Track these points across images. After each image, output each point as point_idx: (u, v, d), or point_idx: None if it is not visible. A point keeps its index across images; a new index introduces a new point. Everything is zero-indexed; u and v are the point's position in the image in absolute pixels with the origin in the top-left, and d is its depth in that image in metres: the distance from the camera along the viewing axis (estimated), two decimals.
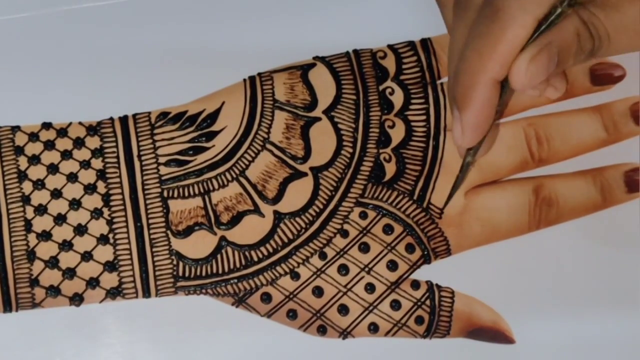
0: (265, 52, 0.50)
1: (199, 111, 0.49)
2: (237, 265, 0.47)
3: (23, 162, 0.48)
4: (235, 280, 0.47)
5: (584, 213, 0.50)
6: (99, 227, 0.47)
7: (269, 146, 0.49)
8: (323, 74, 0.50)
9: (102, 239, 0.47)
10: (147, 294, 0.47)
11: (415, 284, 0.48)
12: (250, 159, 0.48)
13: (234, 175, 0.48)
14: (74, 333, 0.47)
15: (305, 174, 0.49)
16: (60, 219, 0.47)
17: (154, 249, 0.47)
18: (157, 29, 0.51)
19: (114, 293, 0.47)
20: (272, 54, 0.50)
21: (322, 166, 0.49)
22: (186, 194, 0.48)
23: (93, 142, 0.48)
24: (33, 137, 0.48)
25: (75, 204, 0.47)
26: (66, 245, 0.47)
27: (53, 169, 0.47)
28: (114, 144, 0.48)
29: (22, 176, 0.47)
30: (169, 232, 0.47)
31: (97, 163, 0.48)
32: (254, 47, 0.51)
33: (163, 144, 0.48)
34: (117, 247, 0.47)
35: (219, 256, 0.47)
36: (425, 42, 0.51)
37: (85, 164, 0.48)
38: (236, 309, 0.47)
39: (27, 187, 0.47)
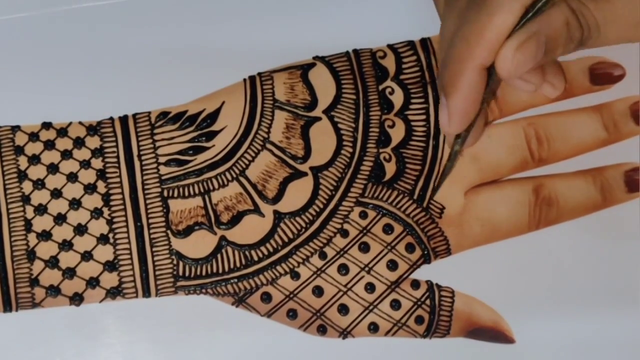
0: (265, 52, 0.50)
1: (199, 111, 0.49)
2: (237, 264, 0.47)
3: (23, 161, 0.47)
4: (235, 280, 0.47)
5: (584, 213, 0.50)
6: (99, 226, 0.47)
7: (269, 146, 0.49)
8: (323, 74, 0.50)
9: (102, 239, 0.47)
10: (147, 293, 0.47)
11: (415, 284, 0.48)
12: (250, 158, 0.48)
13: (234, 175, 0.48)
14: (74, 333, 0.47)
15: (305, 174, 0.49)
16: (60, 219, 0.47)
17: (154, 249, 0.47)
18: (157, 29, 0.51)
19: (114, 293, 0.47)
20: (272, 54, 0.50)
21: (322, 166, 0.49)
22: (186, 193, 0.48)
23: (93, 142, 0.48)
24: (33, 137, 0.48)
25: (75, 204, 0.47)
26: (66, 245, 0.47)
27: (53, 168, 0.47)
28: (114, 143, 0.48)
29: (22, 176, 0.47)
30: (169, 231, 0.47)
31: (97, 163, 0.48)
32: (254, 47, 0.51)
33: (163, 144, 0.48)
34: (117, 246, 0.47)
35: (219, 256, 0.47)
36: (425, 42, 0.51)
37: (85, 164, 0.48)
38: (236, 309, 0.47)
39: (27, 186, 0.47)
